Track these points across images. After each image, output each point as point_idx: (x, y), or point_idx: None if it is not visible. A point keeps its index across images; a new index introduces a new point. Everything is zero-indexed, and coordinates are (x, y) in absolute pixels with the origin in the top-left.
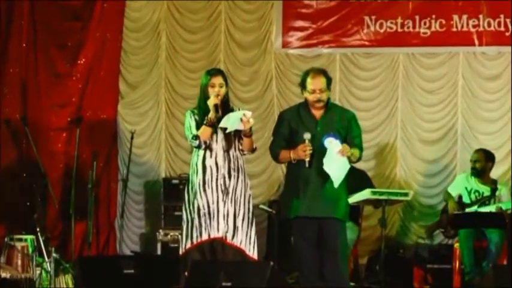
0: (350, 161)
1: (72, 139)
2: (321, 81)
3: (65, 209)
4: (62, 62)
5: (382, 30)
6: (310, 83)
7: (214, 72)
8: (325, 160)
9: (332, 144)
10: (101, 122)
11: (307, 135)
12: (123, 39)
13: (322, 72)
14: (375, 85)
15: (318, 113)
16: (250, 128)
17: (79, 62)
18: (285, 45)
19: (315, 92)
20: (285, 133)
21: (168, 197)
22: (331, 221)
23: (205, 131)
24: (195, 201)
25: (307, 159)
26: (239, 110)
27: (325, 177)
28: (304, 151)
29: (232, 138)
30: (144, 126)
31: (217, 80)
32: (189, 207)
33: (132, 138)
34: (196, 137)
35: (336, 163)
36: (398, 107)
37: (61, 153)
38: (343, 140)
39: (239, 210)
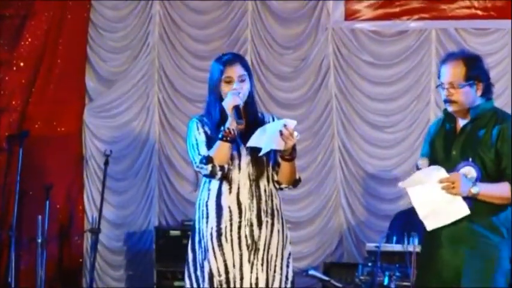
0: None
1: (13, 165)
2: (456, 71)
3: (2, 275)
4: None
5: None
6: (441, 73)
7: (229, 59)
8: (406, 182)
9: (435, 170)
10: (58, 138)
11: (422, 162)
12: (91, 7)
13: (465, 56)
14: (494, 79)
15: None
16: (294, 147)
17: (23, 43)
18: (350, 16)
19: (443, 87)
20: (428, 156)
21: (164, 257)
22: None
23: (222, 150)
24: (206, 263)
25: None
26: (273, 118)
27: (460, 226)
28: None
29: (264, 163)
30: (126, 145)
31: (235, 71)
32: (196, 271)
33: (106, 164)
34: (207, 160)
35: (432, 197)
36: None
37: None
38: (494, 167)
39: (273, 276)
